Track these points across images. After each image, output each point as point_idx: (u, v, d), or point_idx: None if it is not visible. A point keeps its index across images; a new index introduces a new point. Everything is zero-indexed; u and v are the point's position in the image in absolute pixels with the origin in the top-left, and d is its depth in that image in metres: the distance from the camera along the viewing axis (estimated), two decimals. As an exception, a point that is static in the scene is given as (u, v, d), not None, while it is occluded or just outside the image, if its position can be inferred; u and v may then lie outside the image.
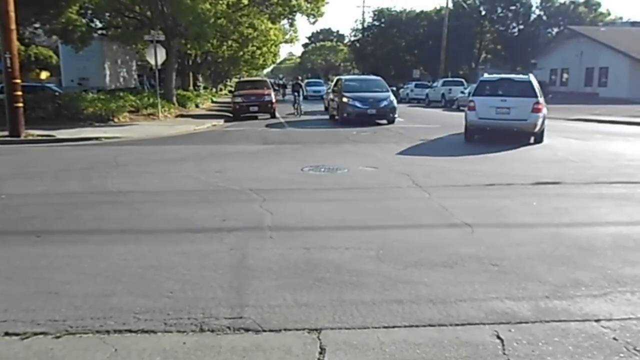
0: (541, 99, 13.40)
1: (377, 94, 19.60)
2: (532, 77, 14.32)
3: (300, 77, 40.01)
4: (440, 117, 24.60)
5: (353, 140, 14.55)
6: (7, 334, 3.34)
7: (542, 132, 13.43)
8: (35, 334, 3.33)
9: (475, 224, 5.74)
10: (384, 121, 19.33)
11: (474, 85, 16.85)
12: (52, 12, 20.03)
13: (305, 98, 35.03)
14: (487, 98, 13.67)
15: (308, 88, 43.29)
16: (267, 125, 19.57)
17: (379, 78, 22.88)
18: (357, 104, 19.03)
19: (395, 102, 19.73)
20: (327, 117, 22.83)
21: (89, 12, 25.15)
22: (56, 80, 33.09)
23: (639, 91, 35.35)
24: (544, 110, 13.50)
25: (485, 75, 17.05)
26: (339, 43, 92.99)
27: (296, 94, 25.80)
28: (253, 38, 29.51)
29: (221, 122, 21.32)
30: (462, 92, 29.14)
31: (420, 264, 4.54)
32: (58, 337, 3.29)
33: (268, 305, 3.72)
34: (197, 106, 29.96)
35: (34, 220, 6.10)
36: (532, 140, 13.36)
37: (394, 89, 31.48)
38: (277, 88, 39.22)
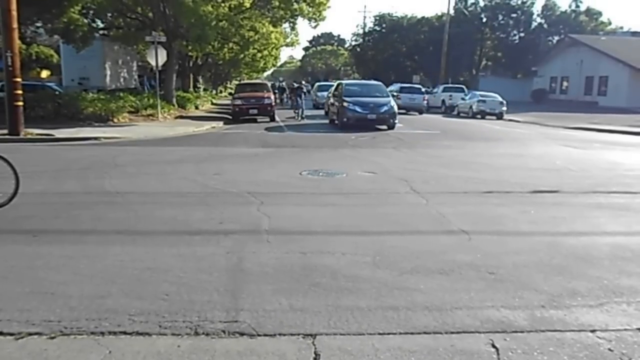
0: (425, 94, 32.36)
1: (378, 99, 19.61)
2: (421, 86, 34.11)
3: (303, 81, 38.82)
4: (440, 123, 24.67)
5: (352, 145, 14.56)
6: (1, 333, 3.33)
7: (423, 110, 30.90)
8: (30, 334, 3.32)
9: (472, 232, 5.74)
10: (384, 126, 19.35)
11: (396, 87, 32.48)
12: (54, 12, 20.05)
13: (316, 107, 32.66)
14: (406, 94, 30.56)
15: (319, 93, 33.84)
16: (266, 129, 19.56)
17: (379, 83, 22.91)
18: (357, 108, 19.03)
19: (395, 107, 19.72)
20: (327, 121, 22.83)
21: (91, 12, 25.19)
22: (57, 79, 33.10)
23: (638, 100, 35.48)
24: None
25: (403, 84, 33.97)
26: (339, 47, 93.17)
27: (298, 98, 25.29)
28: (254, 41, 29.53)
29: (220, 124, 21.34)
30: (463, 99, 31.77)
31: (416, 270, 4.54)
32: (52, 338, 3.28)
33: (263, 310, 3.71)
34: (196, 108, 29.99)
35: (31, 220, 6.10)
36: (418, 114, 30.00)
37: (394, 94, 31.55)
38: (276, 91, 34.56)
